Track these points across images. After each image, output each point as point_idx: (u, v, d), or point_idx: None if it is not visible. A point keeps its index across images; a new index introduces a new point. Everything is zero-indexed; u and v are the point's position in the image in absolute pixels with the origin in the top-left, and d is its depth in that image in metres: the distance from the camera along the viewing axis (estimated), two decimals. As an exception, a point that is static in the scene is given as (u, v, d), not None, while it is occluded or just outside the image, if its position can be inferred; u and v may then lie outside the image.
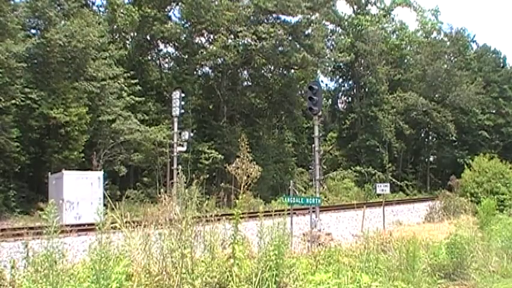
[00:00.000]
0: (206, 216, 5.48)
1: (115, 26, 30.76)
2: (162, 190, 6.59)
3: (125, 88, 28.04)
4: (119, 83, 27.38)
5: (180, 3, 33.21)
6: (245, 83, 39.26)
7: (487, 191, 23.99)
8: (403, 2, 52.15)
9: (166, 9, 33.66)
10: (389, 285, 6.26)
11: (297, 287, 5.06)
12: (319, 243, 11.08)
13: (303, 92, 36.72)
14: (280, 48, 33.95)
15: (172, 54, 36.30)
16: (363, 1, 49.83)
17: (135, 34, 32.64)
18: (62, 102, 23.81)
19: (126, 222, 5.03)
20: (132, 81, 28.85)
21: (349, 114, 51.00)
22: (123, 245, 4.84)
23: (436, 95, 50.61)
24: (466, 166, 28.88)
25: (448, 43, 52.95)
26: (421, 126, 52.33)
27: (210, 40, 33.98)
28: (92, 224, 4.67)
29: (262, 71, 37.90)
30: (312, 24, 36.44)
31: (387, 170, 44.61)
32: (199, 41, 34.98)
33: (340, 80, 52.75)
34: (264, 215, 5.48)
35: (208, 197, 7.33)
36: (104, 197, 19.23)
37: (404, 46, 53.10)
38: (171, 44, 34.87)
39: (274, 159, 37.08)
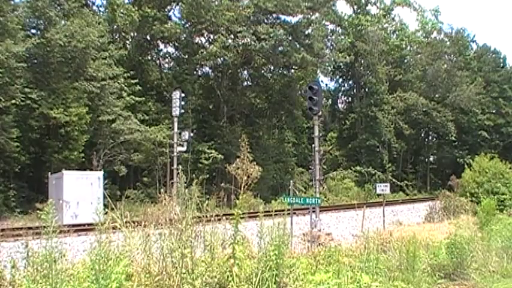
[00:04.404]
0: (206, 216, 5.47)
1: (115, 26, 30.76)
2: (162, 190, 6.60)
3: (125, 88, 28.03)
4: (118, 83, 27.37)
5: (180, 3, 33.19)
6: (245, 83, 39.25)
7: (487, 191, 24.03)
8: (403, 2, 52.08)
9: (166, 9, 33.67)
10: (389, 285, 6.26)
11: (297, 287, 5.06)
12: (319, 243, 11.09)
13: (303, 92, 36.66)
14: (280, 48, 33.90)
15: (172, 54, 36.36)
16: (363, 1, 49.78)
17: (135, 34, 32.63)
18: (62, 102, 23.81)
19: (126, 222, 5.03)
20: (132, 81, 28.85)
21: (349, 114, 51.01)
22: (123, 245, 4.83)
23: (436, 95, 50.64)
24: (466, 166, 28.92)
25: (448, 43, 52.98)
26: (421, 126, 52.32)
27: (210, 40, 33.95)
28: (92, 224, 4.67)
29: (262, 71, 37.88)
30: (311, 24, 36.39)
31: (387, 170, 44.63)
32: (199, 41, 34.99)
33: (340, 80, 52.82)
34: (264, 215, 5.48)
35: (208, 197, 7.32)
36: (104, 197, 19.19)
37: (404, 46, 53.06)
38: (171, 44, 34.89)
39: (274, 159, 37.09)
